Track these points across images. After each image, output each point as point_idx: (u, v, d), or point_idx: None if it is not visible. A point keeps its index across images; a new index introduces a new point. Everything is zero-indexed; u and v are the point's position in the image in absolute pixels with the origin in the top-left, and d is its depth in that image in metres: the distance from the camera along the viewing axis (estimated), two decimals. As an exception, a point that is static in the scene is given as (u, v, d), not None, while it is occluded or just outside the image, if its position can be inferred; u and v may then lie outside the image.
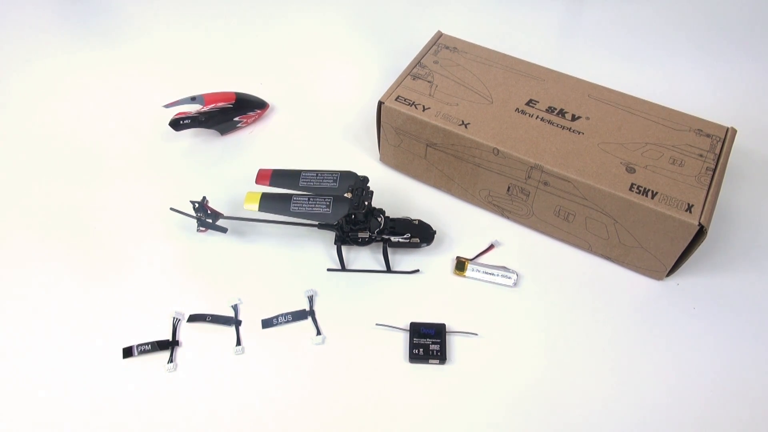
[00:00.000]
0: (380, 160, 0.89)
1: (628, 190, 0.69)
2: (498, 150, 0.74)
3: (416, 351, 0.68)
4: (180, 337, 0.70)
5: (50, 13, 1.13)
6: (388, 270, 0.76)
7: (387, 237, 0.75)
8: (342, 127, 0.94)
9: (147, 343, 0.69)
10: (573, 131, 0.76)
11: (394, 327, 0.71)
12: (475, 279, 0.76)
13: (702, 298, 0.75)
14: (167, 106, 0.88)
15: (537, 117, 0.78)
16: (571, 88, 0.81)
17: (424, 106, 0.79)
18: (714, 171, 0.72)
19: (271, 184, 0.73)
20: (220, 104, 0.89)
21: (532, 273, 0.76)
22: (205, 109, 0.88)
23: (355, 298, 0.74)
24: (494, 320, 0.72)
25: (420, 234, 0.76)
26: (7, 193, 0.84)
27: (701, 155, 0.73)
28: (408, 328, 0.70)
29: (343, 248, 0.77)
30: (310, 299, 0.73)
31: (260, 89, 0.97)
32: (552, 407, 0.66)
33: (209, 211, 0.76)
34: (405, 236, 0.75)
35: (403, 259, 0.78)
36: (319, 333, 0.71)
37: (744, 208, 0.84)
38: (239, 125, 0.92)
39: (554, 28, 1.13)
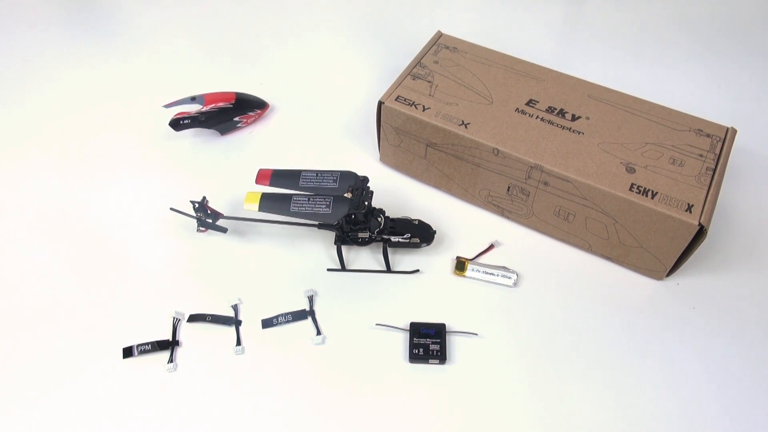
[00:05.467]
0: (380, 160, 0.89)
1: (628, 190, 0.69)
2: (498, 150, 0.74)
3: (416, 351, 0.68)
4: (180, 337, 0.70)
5: (50, 13, 1.13)
6: (388, 270, 0.76)
7: (387, 237, 0.75)
8: (342, 127, 0.94)
9: (147, 343, 0.69)
10: (573, 131, 0.76)
11: (394, 327, 0.71)
12: (475, 279, 0.76)
13: (702, 298, 0.75)
14: (167, 106, 0.88)
15: (537, 117, 0.78)
16: (571, 88, 0.81)
17: (424, 106, 0.79)
18: (714, 171, 0.72)
19: (271, 184, 0.73)
20: (220, 104, 0.89)
21: (532, 273, 0.76)
22: (205, 109, 0.88)
23: (355, 298, 0.74)
24: (494, 320, 0.72)
25: (420, 234, 0.76)
26: (8, 192, 0.84)
27: (701, 155, 0.73)
28: (408, 328, 0.70)
29: (343, 248, 0.77)
30: (310, 299, 0.73)
31: (260, 89, 0.97)
32: (552, 407, 0.65)
33: (209, 211, 0.76)
34: (405, 236, 0.75)
35: (403, 259, 0.78)
36: (319, 333, 0.71)
37: (744, 208, 0.84)
38: (239, 125, 0.92)
39: (554, 27, 1.13)
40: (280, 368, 0.68)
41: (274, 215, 0.72)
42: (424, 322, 0.71)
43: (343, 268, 0.76)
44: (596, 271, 0.77)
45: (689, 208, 0.68)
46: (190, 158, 0.89)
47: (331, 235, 0.79)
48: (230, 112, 0.90)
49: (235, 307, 0.73)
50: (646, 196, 0.69)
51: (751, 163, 0.90)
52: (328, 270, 0.76)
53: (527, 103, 0.79)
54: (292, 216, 0.71)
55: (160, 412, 0.64)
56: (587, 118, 0.78)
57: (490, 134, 0.75)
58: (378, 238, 0.75)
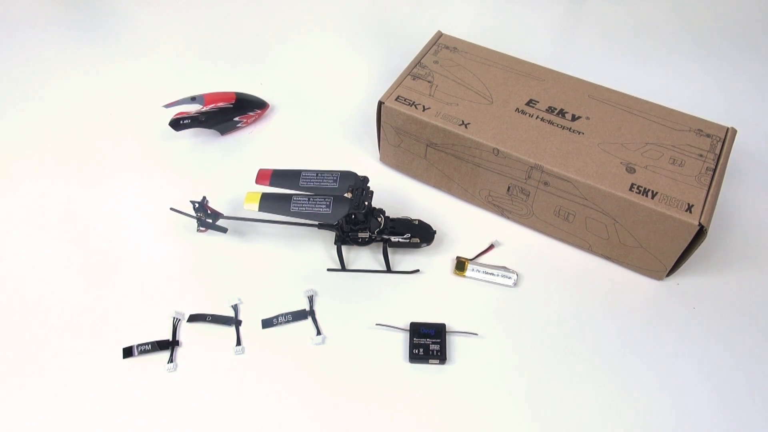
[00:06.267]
0: (380, 160, 0.89)
1: (628, 190, 0.69)
2: (498, 150, 0.74)
3: (416, 351, 0.68)
4: (180, 337, 0.70)
5: (50, 12, 1.13)
6: (388, 270, 0.76)
7: (387, 237, 0.75)
8: (342, 127, 0.94)
9: (147, 343, 0.69)
10: (573, 131, 0.76)
11: (394, 327, 0.71)
12: (475, 279, 0.76)
13: (702, 298, 0.75)
14: (167, 106, 0.88)
15: (537, 117, 0.78)
16: (571, 88, 0.81)
17: (424, 106, 0.79)
18: (714, 171, 0.72)
19: (271, 184, 0.73)
20: (220, 104, 0.89)
21: (532, 273, 0.76)
22: (205, 109, 0.88)
23: (355, 298, 0.74)
24: (494, 320, 0.72)
25: (420, 234, 0.76)
26: (8, 192, 0.84)
27: (701, 155, 0.73)
28: (408, 328, 0.70)
29: (343, 248, 0.77)
30: (310, 299, 0.73)
31: (260, 89, 0.97)
32: (552, 407, 0.65)
33: (209, 211, 0.76)
34: (405, 236, 0.75)
35: (403, 259, 0.78)
36: (319, 333, 0.71)
37: (744, 208, 0.84)
38: (239, 125, 0.92)
39: (554, 27, 1.13)
40: (280, 368, 0.68)
41: (274, 215, 0.72)
42: (424, 322, 0.71)
43: (343, 268, 0.76)
44: (596, 271, 0.77)
45: (689, 208, 0.68)
46: (190, 158, 0.89)
47: (331, 235, 0.79)
48: (230, 112, 0.90)
49: (235, 307, 0.73)
50: (646, 196, 0.69)
51: (751, 163, 0.90)
52: (328, 270, 0.76)
53: (527, 103, 0.79)
54: (292, 216, 0.71)
55: (160, 412, 0.64)
56: (587, 118, 0.78)
57: (490, 134, 0.75)
58: (378, 238, 0.75)
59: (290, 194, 0.72)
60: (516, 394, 0.66)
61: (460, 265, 0.76)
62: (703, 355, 0.70)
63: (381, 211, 0.75)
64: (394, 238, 0.75)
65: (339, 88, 1.00)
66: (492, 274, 0.75)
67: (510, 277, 0.75)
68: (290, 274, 0.76)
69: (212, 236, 0.79)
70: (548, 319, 0.72)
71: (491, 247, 0.79)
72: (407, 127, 0.80)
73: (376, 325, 0.71)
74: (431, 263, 0.77)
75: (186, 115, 0.87)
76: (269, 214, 0.73)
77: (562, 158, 0.73)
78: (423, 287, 0.75)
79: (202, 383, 0.67)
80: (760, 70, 1.05)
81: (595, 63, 1.05)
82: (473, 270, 0.76)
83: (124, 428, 0.63)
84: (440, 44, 0.87)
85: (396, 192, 0.85)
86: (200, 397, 0.66)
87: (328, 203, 0.71)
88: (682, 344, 0.70)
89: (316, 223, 0.77)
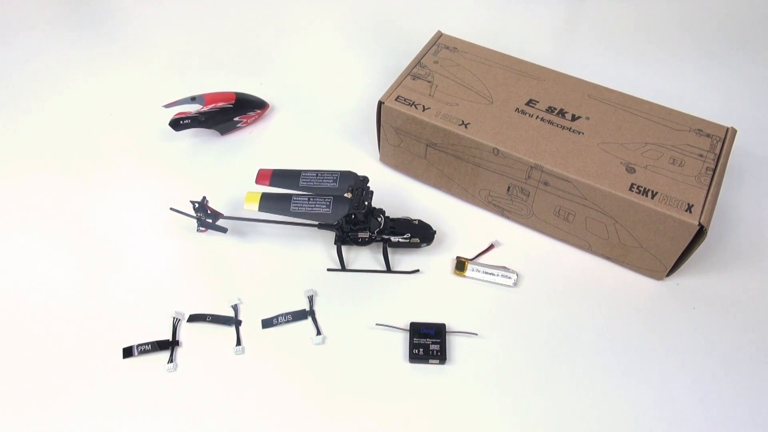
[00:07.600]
0: (380, 160, 0.89)
1: (628, 190, 0.70)
2: (498, 150, 0.74)
3: (416, 351, 0.68)
4: (180, 337, 0.70)
5: (50, 12, 1.13)
6: (388, 270, 0.76)
7: (387, 237, 0.75)
8: (342, 127, 0.94)
9: (147, 343, 0.69)
10: (573, 131, 0.76)
11: (394, 327, 0.71)
12: (475, 279, 0.76)
13: (702, 298, 0.75)
14: (167, 106, 0.88)
15: (537, 117, 0.78)
16: (571, 88, 0.81)
17: (424, 106, 0.79)
18: (714, 171, 0.72)
19: (271, 184, 0.73)
20: (220, 104, 0.89)
21: (532, 273, 0.76)
22: (205, 109, 0.88)
23: (355, 298, 0.74)
24: (494, 320, 0.72)
25: (420, 234, 0.76)
26: (7, 192, 0.84)
27: (701, 155, 0.73)
28: (408, 328, 0.70)
29: (343, 248, 0.77)
30: (310, 299, 0.73)
31: (260, 89, 0.97)
32: (552, 407, 0.65)
33: (209, 211, 0.76)
34: (405, 236, 0.75)
35: (403, 259, 0.78)
36: (319, 333, 0.71)
37: (744, 208, 0.84)
38: (239, 125, 0.92)
39: (554, 27, 1.13)
40: (280, 368, 0.68)
41: (274, 215, 0.72)
42: (424, 322, 0.71)
43: (343, 268, 0.76)
44: (596, 271, 0.77)
45: (689, 208, 0.68)
46: (190, 158, 0.89)
47: (331, 235, 0.79)
48: (230, 112, 0.90)
49: (235, 307, 0.73)
50: (646, 196, 0.69)
51: (751, 163, 0.90)
52: (328, 270, 0.76)
53: (527, 103, 0.79)
54: (292, 216, 0.71)
55: (160, 412, 0.64)
56: (587, 118, 0.78)
57: (490, 134, 0.76)
58: (378, 238, 0.75)
59: (290, 194, 0.72)
60: (516, 394, 0.66)
61: (460, 265, 0.76)
62: (704, 355, 0.70)
63: (381, 211, 0.75)
64: (394, 238, 0.75)
65: (339, 88, 1.00)
66: (492, 274, 0.75)
67: (510, 277, 0.75)
68: (290, 274, 0.76)
69: (212, 236, 0.79)
70: (548, 319, 0.72)
71: (491, 247, 0.79)
72: (407, 127, 0.80)
73: (376, 325, 0.71)
74: (431, 263, 0.77)
75: (186, 115, 0.87)
76: (269, 214, 0.73)
77: (562, 158, 0.73)
78: (423, 287, 0.75)
79: (202, 383, 0.67)
80: (760, 70, 1.05)
81: (595, 63, 1.05)
82: (473, 270, 0.76)
83: (124, 428, 0.63)
84: (440, 44, 0.87)
85: (396, 192, 0.85)
86: (200, 397, 0.66)
87: (328, 203, 0.71)
88: (682, 344, 0.70)
89: (316, 223, 0.77)
